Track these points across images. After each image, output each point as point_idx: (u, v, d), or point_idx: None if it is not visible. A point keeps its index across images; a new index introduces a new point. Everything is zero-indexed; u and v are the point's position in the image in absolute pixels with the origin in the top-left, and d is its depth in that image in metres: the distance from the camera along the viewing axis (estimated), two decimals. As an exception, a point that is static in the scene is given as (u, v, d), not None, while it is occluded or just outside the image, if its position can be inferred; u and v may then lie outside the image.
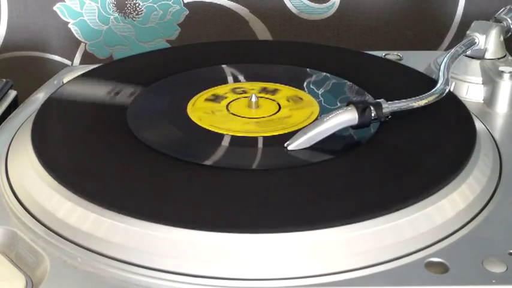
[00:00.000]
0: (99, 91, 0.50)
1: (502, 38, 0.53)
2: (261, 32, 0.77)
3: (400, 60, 0.59)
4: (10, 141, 0.44)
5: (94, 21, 0.76)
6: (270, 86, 0.50)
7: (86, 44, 0.77)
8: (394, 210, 0.34)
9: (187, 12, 0.76)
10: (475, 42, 0.52)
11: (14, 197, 0.38)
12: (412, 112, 0.44)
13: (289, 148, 0.40)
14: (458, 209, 0.36)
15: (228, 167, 0.39)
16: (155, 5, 0.75)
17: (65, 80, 0.54)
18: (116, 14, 0.76)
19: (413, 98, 0.44)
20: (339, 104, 0.47)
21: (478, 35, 0.52)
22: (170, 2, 0.75)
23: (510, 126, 0.47)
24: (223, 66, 0.54)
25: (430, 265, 0.33)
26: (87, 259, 0.33)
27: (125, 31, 0.77)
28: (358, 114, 0.41)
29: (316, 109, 0.46)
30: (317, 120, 0.42)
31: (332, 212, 0.34)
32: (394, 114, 0.43)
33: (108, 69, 0.55)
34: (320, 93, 0.49)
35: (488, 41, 0.52)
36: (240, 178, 0.38)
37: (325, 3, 0.76)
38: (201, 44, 0.67)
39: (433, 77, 0.51)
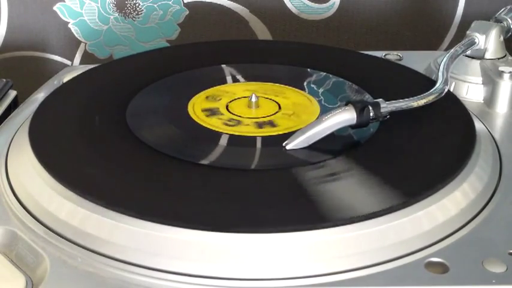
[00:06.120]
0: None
1: (502, 38, 0.53)
2: (261, 32, 0.77)
3: (400, 60, 0.59)
4: (10, 141, 0.44)
5: (94, 21, 0.76)
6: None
7: (86, 44, 0.77)
8: (394, 210, 0.34)
9: (187, 12, 0.76)
10: (475, 42, 0.52)
11: (14, 197, 0.38)
12: (412, 112, 0.44)
13: (287, 148, 0.40)
14: (458, 209, 0.36)
15: (228, 166, 0.39)
16: (155, 5, 0.75)
17: (65, 80, 0.54)
18: (116, 14, 0.76)
19: (412, 98, 0.44)
20: (338, 104, 0.47)
21: (478, 35, 0.52)
22: (170, 2, 0.75)
23: (510, 126, 0.47)
24: (223, 66, 0.54)
25: (430, 265, 0.33)
26: (87, 259, 0.33)
27: (125, 31, 0.77)
28: (356, 114, 0.41)
29: (317, 109, 0.46)
30: (315, 120, 0.42)
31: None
32: (394, 114, 0.43)
33: (107, 69, 0.55)
34: (320, 92, 0.49)
35: (488, 41, 0.52)
36: (240, 178, 0.38)
37: (325, 3, 0.76)
38: (201, 43, 0.67)
39: (433, 77, 0.51)
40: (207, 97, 0.48)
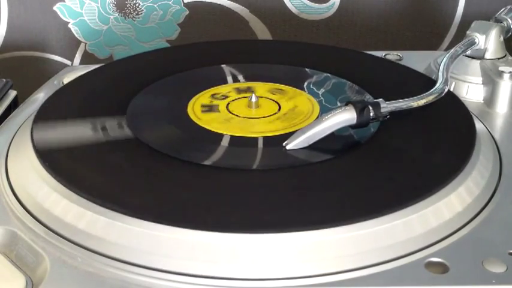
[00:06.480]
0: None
1: (502, 38, 0.53)
2: (261, 32, 0.77)
3: (400, 60, 0.59)
4: (10, 141, 0.44)
5: (94, 21, 0.76)
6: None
7: (86, 44, 0.77)
8: (394, 210, 0.34)
9: (187, 12, 0.76)
10: (475, 42, 0.52)
11: (14, 197, 0.38)
12: (412, 112, 0.44)
13: (287, 147, 0.40)
14: (458, 209, 0.36)
15: (228, 167, 0.39)
16: (155, 5, 0.75)
17: (65, 80, 0.54)
18: (116, 14, 0.76)
19: (412, 98, 0.44)
20: (338, 104, 0.47)
21: (478, 35, 0.52)
22: (170, 2, 0.75)
23: (510, 126, 0.47)
24: (223, 66, 0.54)
25: (430, 265, 0.33)
26: (87, 259, 0.33)
27: (125, 31, 0.77)
28: (356, 114, 0.41)
29: (317, 109, 0.46)
30: (315, 120, 0.42)
31: (332, 212, 0.34)
32: (394, 114, 0.43)
33: (108, 69, 0.55)
34: (320, 93, 0.49)
35: (488, 41, 0.52)
36: (240, 178, 0.38)
37: (325, 3, 0.76)
38: (201, 43, 0.67)
39: (433, 77, 0.51)
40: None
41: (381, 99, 0.42)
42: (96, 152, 0.41)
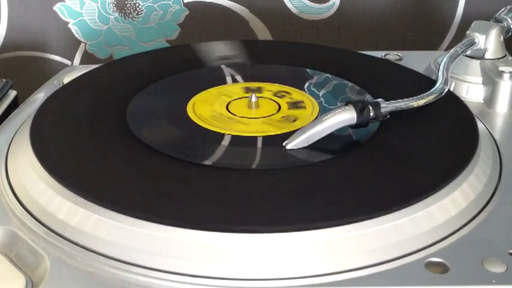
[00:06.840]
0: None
1: (502, 38, 0.53)
2: (261, 32, 0.77)
3: (400, 60, 0.59)
4: (10, 141, 0.44)
5: (94, 21, 0.76)
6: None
7: (86, 44, 0.77)
8: (394, 210, 0.34)
9: (187, 12, 0.76)
10: (475, 42, 0.52)
11: (14, 197, 0.38)
12: (414, 112, 0.44)
13: (287, 147, 0.40)
14: (458, 209, 0.36)
15: (228, 167, 0.39)
16: (155, 5, 0.75)
17: (65, 80, 0.54)
18: (116, 14, 0.76)
19: (412, 98, 0.44)
20: (338, 104, 0.47)
21: (478, 35, 0.52)
22: (170, 2, 0.75)
23: (510, 126, 0.47)
24: (223, 66, 0.54)
25: (430, 265, 0.33)
26: (87, 259, 0.33)
27: (125, 31, 0.77)
28: (356, 114, 0.41)
29: (316, 109, 0.46)
30: (316, 120, 0.42)
31: (332, 211, 0.34)
32: (395, 114, 0.43)
33: (107, 69, 0.55)
34: (320, 93, 0.49)
35: (488, 41, 0.52)
36: (240, 178, 0.38)
37: (325, 3, 0.76)
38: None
39: (433, 77, 0.51)
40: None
41: (380, 99, 0.42)
42: (95, 152, 0.41)
